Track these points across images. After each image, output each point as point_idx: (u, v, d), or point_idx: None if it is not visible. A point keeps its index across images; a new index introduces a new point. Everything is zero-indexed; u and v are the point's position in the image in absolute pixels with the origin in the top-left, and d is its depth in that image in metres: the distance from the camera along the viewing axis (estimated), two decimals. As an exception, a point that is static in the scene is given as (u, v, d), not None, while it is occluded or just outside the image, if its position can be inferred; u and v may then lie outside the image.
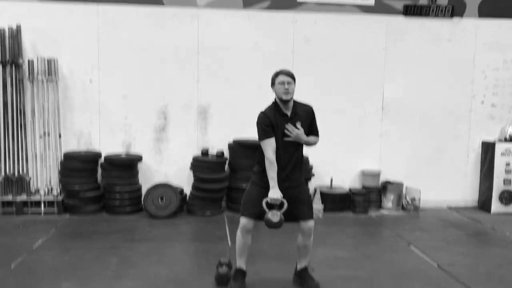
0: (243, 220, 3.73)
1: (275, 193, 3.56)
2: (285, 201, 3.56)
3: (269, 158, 3.62)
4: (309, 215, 3.80)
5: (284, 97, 3.64)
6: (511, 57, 6.78)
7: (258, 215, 3.68)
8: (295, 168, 3.75)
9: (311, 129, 3.80)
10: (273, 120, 3.66)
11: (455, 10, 6.60)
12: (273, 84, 3.71)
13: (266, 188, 3.67)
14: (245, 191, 3.84)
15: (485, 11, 6.68)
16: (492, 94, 6.83)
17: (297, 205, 3.76)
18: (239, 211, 6.19)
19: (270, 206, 3.56)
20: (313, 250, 4.55)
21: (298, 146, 3.73)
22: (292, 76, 3.68)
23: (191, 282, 3.98)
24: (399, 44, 6.61)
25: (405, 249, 5.01)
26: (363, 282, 4.09)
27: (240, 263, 3.87)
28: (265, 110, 3.74)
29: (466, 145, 6.85)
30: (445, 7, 6.56)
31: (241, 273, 3.87)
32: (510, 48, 6.76)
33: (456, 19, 6.64)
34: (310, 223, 3.79)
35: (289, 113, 3.71)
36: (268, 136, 3.64)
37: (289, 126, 3.65)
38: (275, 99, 3.75)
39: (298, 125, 3.68)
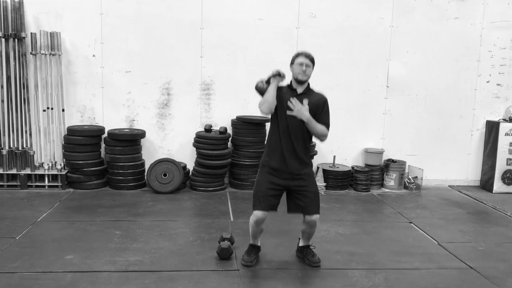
0: (257, 213, 3.72)
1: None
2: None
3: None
4: (314, 209, 3.75)
5: (300, 77, 3.65)
6: (519, 35, 6.71)
7: (271, 207, 3.71)
8: (298, 154, 3.66)
9: (320, 117, 3.67)
10: (281, 92, 3.67)
11: (463, -13, 6.51)
12: (292, 63, 3.73)
13: (274, 175, 3.68)
14: (256, 180, 3.79)
15: (494, -11, 6.58)
16: (498, 73, 6.77)
17: (303, 198, 3.71)
18: (242, 188, 6.28)
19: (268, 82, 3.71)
20: (315, 226, 4.60)
21: (303, 127, 3.63)
22: (312, 59, 3.69)
23: (194, 255, 4.03)
24: (405, 21, 6.53)
25: (406, 226, 5.05)
26: (364, 257, 4.13)
27: (254, 241, 3.95)
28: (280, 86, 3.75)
29: (470, 124, 6.83)
30: (453, -16, 6.46)
31: (255, 248, 3.94)
32: (518, 27, 6.68)
33: (464, -4, 6.55)
34: (315, 217, 3.76)
35: (299, 91, 3.70)
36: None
37: (294, 100, 3.62)
38: (290, 81, 3.74)
39: (305, 102, 3.63)
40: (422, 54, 6.61)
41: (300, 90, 3.71)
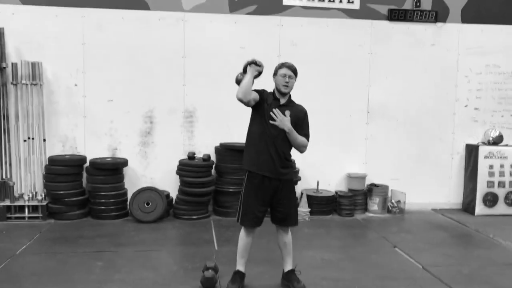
0: (247, 229, 3.87)
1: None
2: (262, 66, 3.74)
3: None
4: (293, 222, 3.92)
5: (283, 89, 3.77)
6: (493, 61, 6.89)
7: (259, 223, 3.83)
8: (280, 158, 3.75)
9: (300, 128, 3.80)
10: (267, 97, 3.77)
11: (439, 15, 6.69)
12: (275, 74, 3.84)
13: (258, 186, 3.75)
14: (242, 195, 3.84)
15: (468, 17, 6.79)
16: (475, 97, 6.93)
17: (282, 208, 3.83)
18: (226, 215, 6.24)
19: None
20: (300, 252, 4.60)
21: (284, 135, 3.72)
22: (294, 71, 3.82)
23: (177, 286, 3.96)
24: (384, 48, 6.68)
25: (390, 251, 5.05)
26: (349, 283, 4.11)
27: (240, 265, 3.93)
28: (265, 90, 3.86)
29: (451, 148, 6.94)
30: (429, 12, 6.65)
31: (239, 275, 3.90)
32: (492, 53, 6.87)
33: (439, 24, 6.74)
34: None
35: (282, 101, 3.80)
36: (254, 90, 3.73)
37: (276, 110, 3.69)
38: (274, 89, 3.85)
39: (287, 113, 3.73)
40: (401, 80, 6.75)
41: (282, 100, 3.82)
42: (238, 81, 3.80)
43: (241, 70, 3.83)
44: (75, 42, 6.11)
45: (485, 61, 6.88)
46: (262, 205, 3.80)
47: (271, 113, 3.69)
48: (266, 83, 3.90)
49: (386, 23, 6.66)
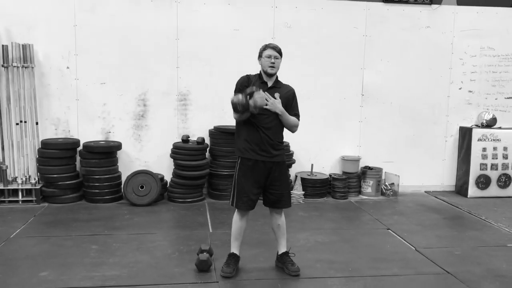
0: (241, 212, 3.87)
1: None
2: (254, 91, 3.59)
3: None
4: (286, 203, 3.92)
5: (269, 71, 3.75)
6: (488, 44, 6.88)
7: (253, 206, 3.83)
8: (272, 141, 3.75)
9: (291, 109, 3.82)
10: (253, 82, 3.74)
11: (434, -4, 6.67)
12: (260, 56, 3.82)
13: (252, 168, 3.74)
14: (235, 178, 3.84)
15: (463, -2, 6.77)
16: (469, 80, 6.93)
17: (275, 190, 3.84)
18: (220, 198, 6.25)
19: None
20: (294, 234, 4.63)
21: (276, 117, 3.74)
22: (279, 51, 3.79)
23: (172, 268, 3.98)
24: (378, 30, 6.64)
25: (383, 233, 5.09)
26: (343, 265, 4.14)
27: (234, 247, 3.94)
28: (249, 74, 3.84)
29: (444, 131, 6.96)
30: (424, -6, 6.61)
31: (234, 258, 3.92)
32: (487, 35, 6.85)
33: (434, 6, 6.69)
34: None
35: (269, 83, 3.79)
36: (239, 86, 3.76)
37: (266, 94, 3.69)
38: (260, 71, 3.83)
39: (277, 95, 3.74)
40: (395, 63, 6.72)
41: (270, 83, 3.81)
42: (234, 105, 3.58)
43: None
44: (67, 23, 6.02)
45: (480, 44, 6.87)
46: (257, 187, 3.81)
47: None
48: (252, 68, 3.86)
49: (381, 5, 6.60)
